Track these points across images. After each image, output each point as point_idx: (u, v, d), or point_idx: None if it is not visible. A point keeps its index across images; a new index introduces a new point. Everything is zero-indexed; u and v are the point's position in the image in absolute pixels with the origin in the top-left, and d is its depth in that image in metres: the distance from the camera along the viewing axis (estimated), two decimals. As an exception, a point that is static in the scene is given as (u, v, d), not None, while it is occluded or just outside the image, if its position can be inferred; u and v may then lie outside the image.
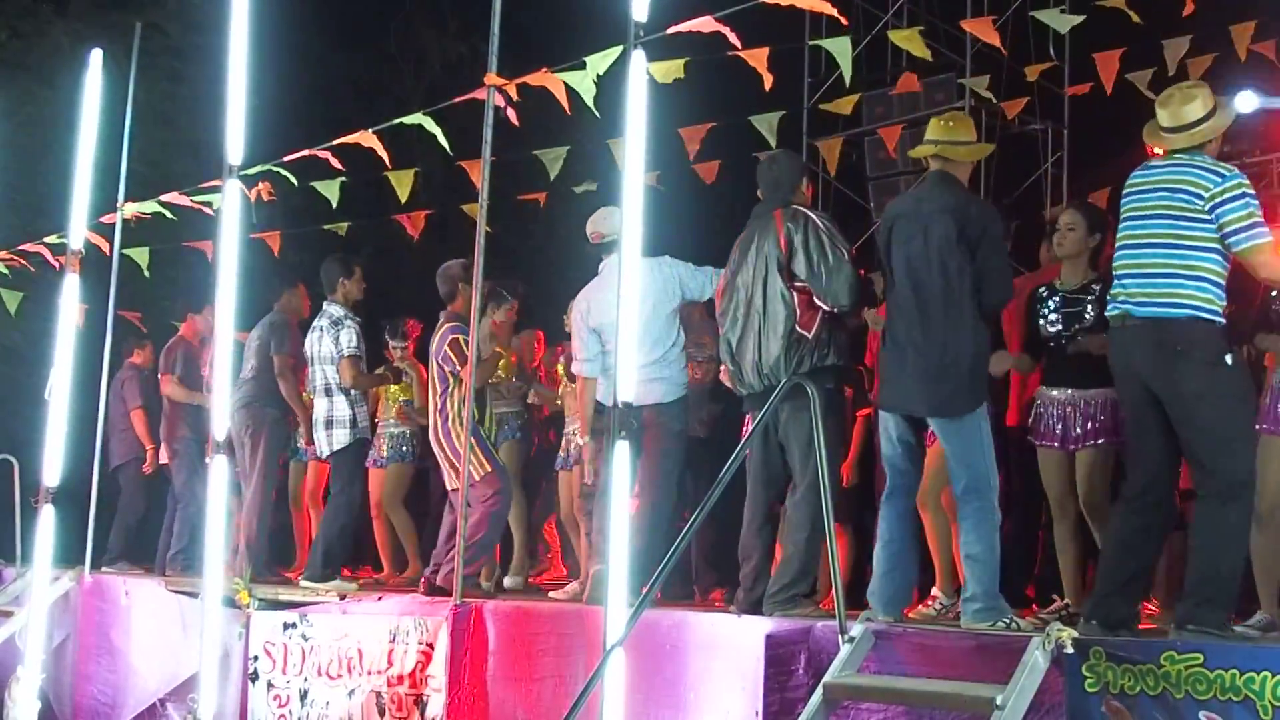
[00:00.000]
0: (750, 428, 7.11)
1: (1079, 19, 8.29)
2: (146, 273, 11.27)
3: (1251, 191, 5.78)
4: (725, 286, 7.18)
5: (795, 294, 6.80)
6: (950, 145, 6.63)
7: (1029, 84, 12.37)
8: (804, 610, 6.61)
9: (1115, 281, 5.93)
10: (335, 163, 9.26)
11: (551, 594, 8.57)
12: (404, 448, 10.17)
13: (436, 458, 8.77)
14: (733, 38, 6.92)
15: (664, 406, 7.70)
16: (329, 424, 9.35)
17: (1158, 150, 6.17)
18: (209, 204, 9.95)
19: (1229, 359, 5.68)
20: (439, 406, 8.57)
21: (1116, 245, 5.99)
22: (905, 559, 6.59)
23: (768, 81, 7.37)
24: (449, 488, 8.67)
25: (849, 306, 6.81)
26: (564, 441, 9.38)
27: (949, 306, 6.31)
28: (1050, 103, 14.91)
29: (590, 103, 7.69)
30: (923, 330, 6.35)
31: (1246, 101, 6.49)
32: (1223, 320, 5.75)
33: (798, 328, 6.78)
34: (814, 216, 6.90)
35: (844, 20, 7.76)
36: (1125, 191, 6.01)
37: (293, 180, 9.57)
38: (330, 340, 9.31)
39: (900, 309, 6.48)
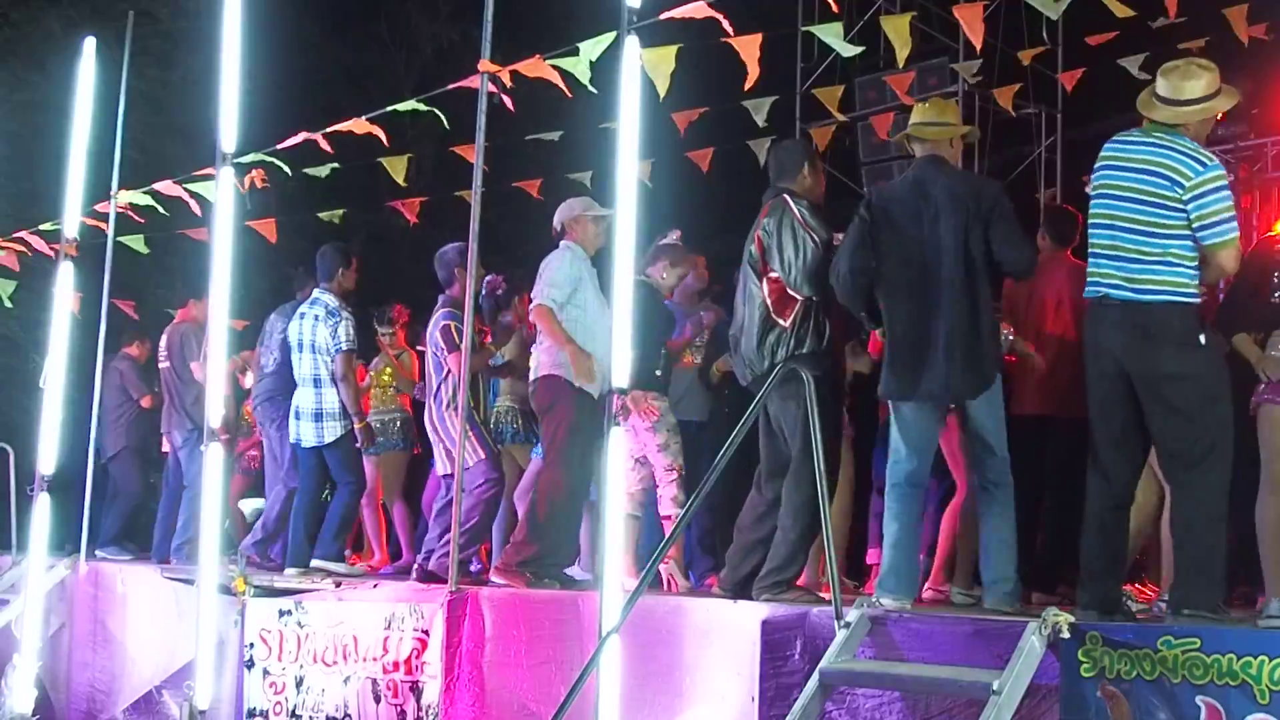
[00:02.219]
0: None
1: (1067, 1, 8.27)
2: (145, 249, 11.23)
3: (1227, 183, 5.71)
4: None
5: (767, 284, 6.80)
6: (923, 126, 6.60)
7: (1022, 68, 12.34)
8: (792, 596, 6.61)
9: (1091, 260, 5.87)
10: (319, 157, 9.22)
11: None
12: (393, 435, 10.14)
13: (431, 442, 8.78)
14: (725, 24, 6.89)
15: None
16: (318, 416, 9.27)
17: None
18: (200, 195, 9.91)
19: (1202, 338, 5.66)
20: (434, 392, 8.56)
21: (1091, 221, 5.92)
22: (917, 544, 6.61)
23: (753, 75, 7.34)
24: (440, 473, 8.66)
25: (814, 294, 6.77)
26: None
27: (972, 287, 6.25)
28: (1044, 87, 14.90)
29: (586, 83, 7.67)
30: (945, 315, 6.26)
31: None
32: (1196, 300, 5.71)
33: (773, 317, 6.78)
34: (793, 206, 6.87)
35: (835, 7, 7.74)
36: (1101, 163, 5.94)
37: (286, 170, 9.54)
38: (328, 331, 9.23)
39: (910, 296, 6.38)
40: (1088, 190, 6.85)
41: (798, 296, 6.76)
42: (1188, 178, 5.62)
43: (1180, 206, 5.63)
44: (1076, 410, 7.27)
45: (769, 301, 6.79)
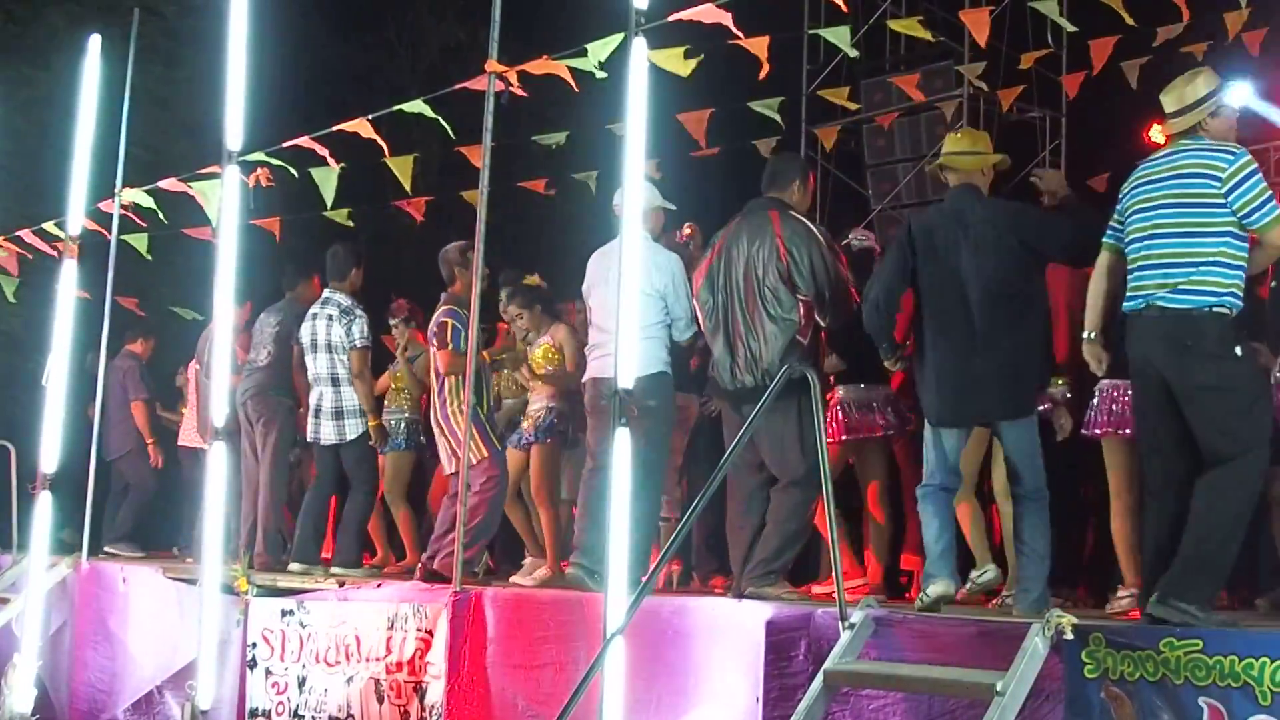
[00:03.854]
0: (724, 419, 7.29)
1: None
2: (148, 255, 11.24)
3: (1258, 167, 5.73)
4: (706, 277, 7.18)
5: (802, 306, 6.88)
6: (957, 156, 6.67)
7: (1027, 72, 12.36)
8: (778, 589, 6.71)
9: (1132, 275, 5.85)
10: (330, 156, 9.20)
11: (514, 579, 8.52)
12: (401, 436, 10.13)
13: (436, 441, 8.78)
14: (733, 26, 6.91)
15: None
16: (339, 414, 9.32)
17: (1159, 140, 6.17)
18: (203, 193, 9.89)
19: (1238, 350, 5.66)
20: (437, 389, 8.57)
21: (1131, 238, 5.89)
22: (954, 538, 6.70)
23: (765, 68, 7.38)
24: (446, 472, 8.67)
25: (839, 329, 6.97)
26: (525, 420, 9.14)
27: (1017, 312, 6.33)
28: (1048, 90, 14.93)
29: (595, 70, 7.66)
30: (985, 338, 6.33)
31: (1240, 94, 6.44)
32: (1232, 310, 5.67)
33: (798, 336, 6.90)
34: (815, 231, 6.98)
35: (844, 8, 7.76)
36: (1132, 186, 5.95)
37: (292, 171, 9.53)
38: (342, 329, 9.27)
39: (951, 320, 6.44)
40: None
41: (820, 322, 6.93)
42: (1222, 169, 5.66)
43: (1220, 201, 5.65)
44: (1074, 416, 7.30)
45: (802, 321, 6.90)
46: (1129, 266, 5.90)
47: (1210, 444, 5.63)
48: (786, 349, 6.85)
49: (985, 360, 6.33)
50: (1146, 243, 5.81)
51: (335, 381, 9.32)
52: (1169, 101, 5.93)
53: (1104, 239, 6.09)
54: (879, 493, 7.71)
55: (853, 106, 11.92)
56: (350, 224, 10.64)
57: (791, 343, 6.88)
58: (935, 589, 6.28)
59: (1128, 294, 5.88)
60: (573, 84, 7.81)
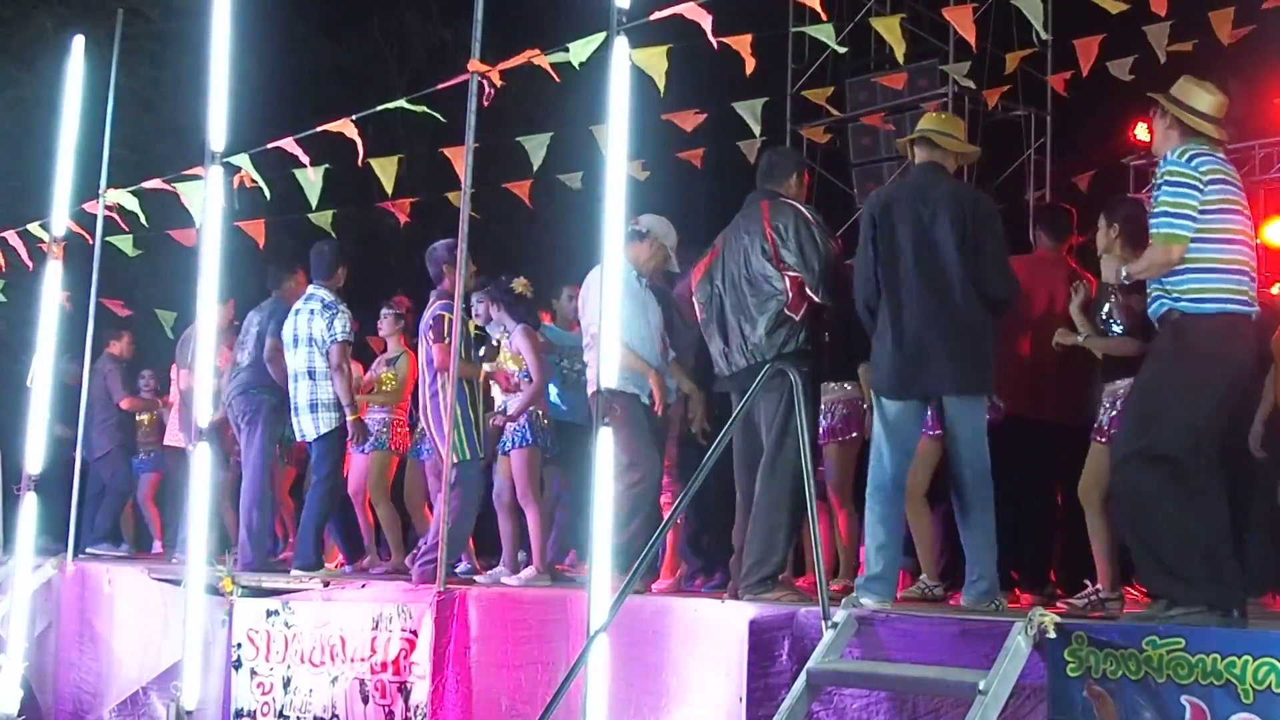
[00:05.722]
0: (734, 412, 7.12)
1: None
2: (132, 252, 11.22)
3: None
4: (705, 273, 7.19)
5: (788, 280, 6.83)
6: (944, 136, 6.68)
7: (1012, 70, 12.38)
8: (776, 594, 6.62)
9: (1235, 275, 5.59)
10: (309, 156, 9.17)
11: (504, 580, 8.51)
12: (384, 436, 10.10)
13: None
14: (711, 25, 6.91)
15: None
16: (313, 407, 9.26)
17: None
18: (187, 194, 9.87)
19: None
20: (429, 383, 8.56)
21: (1231, 235, 5.60)
22: (901, 547, 6.67)
23: (749, 66, 7.39)
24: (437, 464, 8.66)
25: (829, 299, 6.85)
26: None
27: (965, 288, 6.32)
28: (1033, 89, 14.95)
29: (577, 66, 7.66)
30: (941, 314, 6.34)
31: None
32: None
33: (786, 310, 6.82)
34: (803, 209, 6.94)
35: (824, 16, 7.77)
36: (1211, 178, 5.57)
37: (260, 183, 9.50)
38: (324, 323, 9.23)
39: (909, 294, 6.42)
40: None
41: (814, 297, 6.84)
42: None
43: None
44: (1058, 414, 7.30)
45: (789, 295, 6.84)
46: (1224, 265, 5.58)
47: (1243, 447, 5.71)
48: (775, 323, 6.82)
49: (938, 334, 6.33)
50: (1242, 247, 5.62)
51: (311, 375, 9.24)
52: (1206, 103, 5.76)
53: (1182, 231, 5.54)
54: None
55: (835, 113, 11.92)
56: (331, 229, 10.64)
57: (780, 317, 6.82)
58: (869, 602, 6.21)
59: (1235, 293, 5.56)
60: (553, 74, 7.80)
